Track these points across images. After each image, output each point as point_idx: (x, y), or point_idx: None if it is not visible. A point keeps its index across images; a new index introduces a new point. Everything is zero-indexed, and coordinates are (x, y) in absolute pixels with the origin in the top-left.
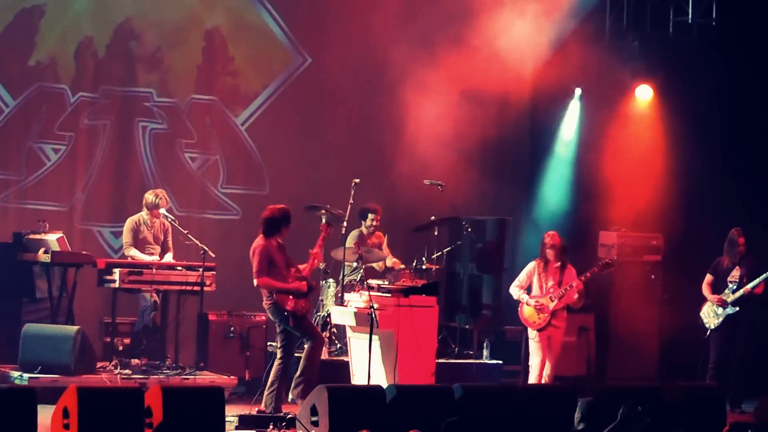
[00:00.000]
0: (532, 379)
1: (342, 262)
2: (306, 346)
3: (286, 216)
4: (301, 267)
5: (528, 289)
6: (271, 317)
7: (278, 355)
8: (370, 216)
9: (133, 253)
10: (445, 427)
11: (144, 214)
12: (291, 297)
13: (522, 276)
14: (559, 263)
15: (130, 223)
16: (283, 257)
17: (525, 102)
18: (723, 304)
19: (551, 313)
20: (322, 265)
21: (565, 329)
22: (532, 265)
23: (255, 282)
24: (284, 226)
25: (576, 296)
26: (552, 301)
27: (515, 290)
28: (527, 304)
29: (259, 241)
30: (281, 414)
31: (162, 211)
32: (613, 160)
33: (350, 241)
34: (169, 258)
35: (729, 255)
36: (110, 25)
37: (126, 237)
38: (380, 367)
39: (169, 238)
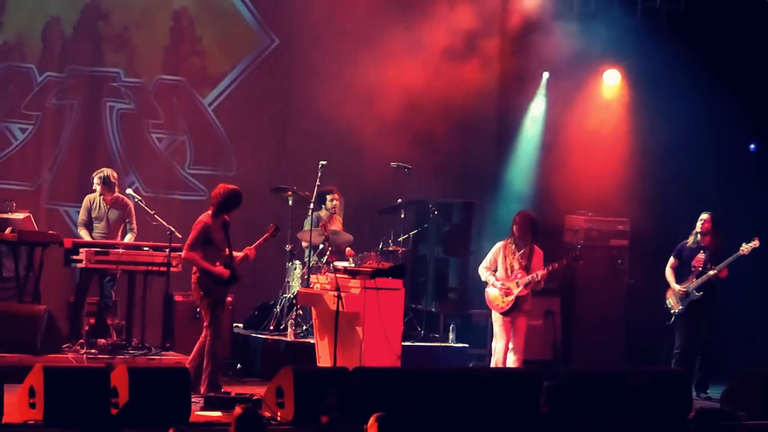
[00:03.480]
0: (494, 362)
1: (308, 243)
2: (207, 338)
3: (236, 197)
4: (236, 254)
5: (495, 270)
6: (193, 293)
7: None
8: (328, 197)
9: (82, 233)
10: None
11: (97, 194)
12: (212, 279)
13: (489, 256)
14: (526, 247)
15: (86, 201)
16: (222, 237)
17: (492, 84)
18: (684, 295)
19: (516, 298)
20: (288, 247)
21: (531, 313)
22: (498, 245)
23: (183, 253)
24: (233, 207)
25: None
26: (518, 287)
27: (483, 271)
28: (493, 286)
29: (204, 217)
30: (247, 395)
31: (129, 191)
32: (581, 144)
33: (307, 225)
34: (129, 239)
35: (695, 234)
36: (77, 5)
37: (81, 215)
38: (346, 348)
39: (129, 218)
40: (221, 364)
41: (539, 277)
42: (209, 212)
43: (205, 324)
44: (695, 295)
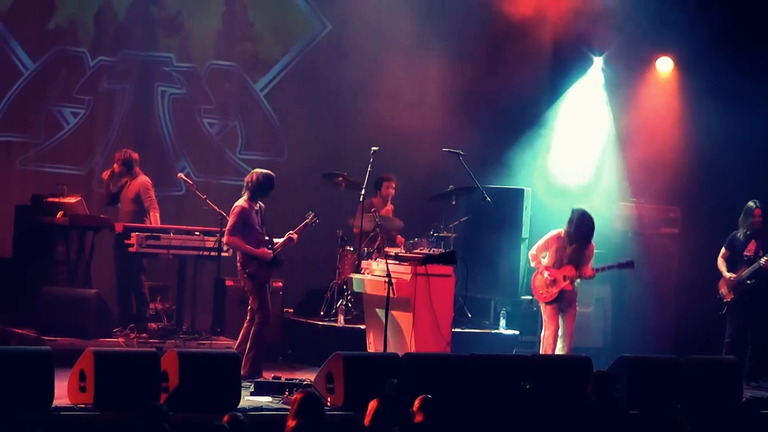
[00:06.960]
0: (543, 350)
1: (360, 229)
2: (255, 321)
3: (270, 182)
4: (276, 241)
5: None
6: (239, 279)
7: (255, 319)
8: (385, 184)
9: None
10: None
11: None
12: (255, 262)
13: (540, 243)
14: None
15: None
16: (260, 222)
17: (545, 72)
18: (736, 284)
19: (561, 290)
20: (339, 233)
21: (580, 300)
22: (552, 234)
23: (224, 239)
24: (268, 191)
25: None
26: (565, 280)
27: (531, 257)
28: (541, 274)
29: (241, 202)
30: (297, 380)
31: (180, 175)
32: (632, 131)
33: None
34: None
35: (743, 227)
36: None
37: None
38: (396, 334)
39: (144, 198)
40: (265, 350)
41: (586, 276)
42: (245, 197)
43: (254, 308)
44: (747, 284)
